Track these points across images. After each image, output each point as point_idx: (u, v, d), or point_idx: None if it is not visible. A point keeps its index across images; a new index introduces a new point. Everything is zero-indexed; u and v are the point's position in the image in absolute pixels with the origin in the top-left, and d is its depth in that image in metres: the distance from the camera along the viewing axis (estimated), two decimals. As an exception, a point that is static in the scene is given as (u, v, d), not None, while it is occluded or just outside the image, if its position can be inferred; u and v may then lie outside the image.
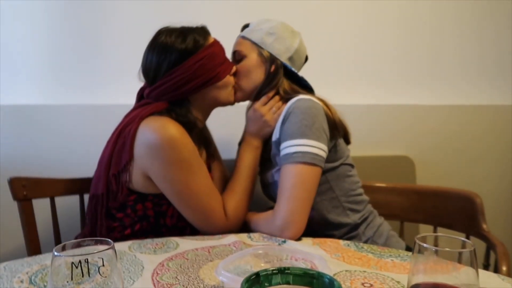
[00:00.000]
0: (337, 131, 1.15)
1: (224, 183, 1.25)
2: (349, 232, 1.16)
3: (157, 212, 1.10)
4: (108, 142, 1.12)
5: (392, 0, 1.87)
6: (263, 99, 1.19)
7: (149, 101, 1.13)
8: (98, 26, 1.58)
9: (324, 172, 1.13)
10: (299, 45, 1.23)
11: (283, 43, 1.20)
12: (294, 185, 1.04)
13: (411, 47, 1.92)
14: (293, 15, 1.75)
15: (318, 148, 1.07)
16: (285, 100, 1.17)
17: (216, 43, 1.15)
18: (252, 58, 1.19)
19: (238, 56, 1.21)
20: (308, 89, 1.24)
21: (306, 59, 1.30)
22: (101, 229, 1.10)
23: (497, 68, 2.02)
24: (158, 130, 1.02)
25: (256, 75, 1.19)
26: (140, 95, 1.17)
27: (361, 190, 1.23)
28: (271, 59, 1.19)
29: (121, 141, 1.07)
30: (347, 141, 1.23)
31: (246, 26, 1.26)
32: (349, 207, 1.17)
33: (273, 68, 1.19)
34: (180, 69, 1.09)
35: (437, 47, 1.95)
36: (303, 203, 1.04)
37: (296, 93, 1.17)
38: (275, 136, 1.15)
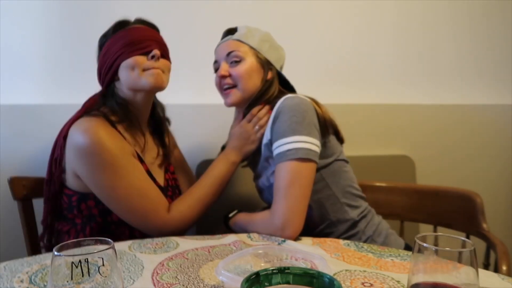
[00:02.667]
0: (327, 127, 1.14)
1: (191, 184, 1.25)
2: (349, 230, 1.16)
3: (101, 210, 1.09)
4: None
5: (392, 0, 1.87)
6: (248, 115, 1.19)
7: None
8: (98, 26, 1.58)
9: (319, 169, 1.13)
10: (285, 55, 1.25)
11: (276, 52, 1.21)
12: (290, 182, 1.04)
13: (411, 47, 1.92)
14: (293, 15, 1.75)
15: (311, 143, 1.06)
16: (271, 103, 1.17)
17: (131, 28, 1.11)
18: (252, 61, 1.17)
19: (236, 58, 1.17)
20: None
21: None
22: (50, 218, 1.13)
23: (497, 68, 2.02)
24: (83, 133, 1.01)
25: (256, 79, 1.18)
26: None
27: (357, 186, 1.22)
28: (268, 67, 1.19)
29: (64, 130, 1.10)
30: (340, 140, 1.23)
31: (232, 30, 1.23)
32: (347, 203, 1.17)
33: (270, 75, 1.19)
34: (100, 54, 1.14)
35: (437, 47, 1.95)
36: (300, 200, 1.04)
37: (283, 94, 1.17)
38: (266, 138, 1.15)
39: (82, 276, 0.50)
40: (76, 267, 0.50)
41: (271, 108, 1.16)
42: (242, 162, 1.26)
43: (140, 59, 1.08)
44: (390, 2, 1.86)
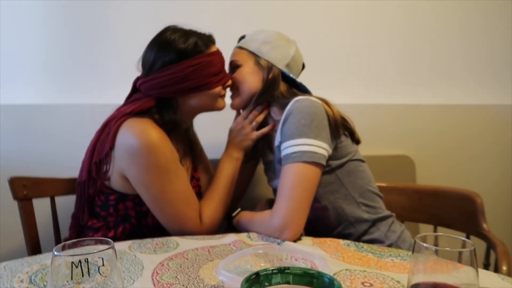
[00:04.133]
0: (338, 129, 1.14)
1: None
2: (369, 230, 1.15)
3: (138, 212, 1.11)
4: (96, 132, 1.15)
5: (394, 0, 1.87)
6: (245, 112, 1.23)
7: (139, 96, 1.14)
8: (97, 27, 1.58)
9: (333, 169, 1.13)
10: (295, 52, 1.24)
11: (279, 51, 1.22)
12: (293, 185, 1.04)
13: (411, 47, 1.92)
14: (293, 15, 1.75)
15: (318, 146, 1.06)
16: (283, 104, 1.18)
17: (216, 52, 1.15)
18: (248, 66, 1.21)
19: (235, 65, 1.23)
20: (307, 94, 1.24)
21: (303, 67, 1.31)
22: (83, 216, 1.13)
23: (497, 68, 2.02)
24: (138, 135, 1.03)
25: (252, 82, 1.20)
26: (134, 84, 1.19)
27: (374, 185, 1.22)
28: (268, 67, 1.20)
29: (106, 132, 1.10)
30: (356, 141, 1.22)
31: (242, 37, 1.28)
32: (364, 203, 1.16)
33: (270, 75, 1.20)
34: (173, 68, 1.09)
35: (437, 47, 1.95)
36: (302, 203, 1.04)
37: (294, 95, 1.18)
38: (277, 141, 1.15)
39: (82, 276, 0.50)
40: (76, 267, 0.50)
41: (282, 109, 1.17)
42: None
43: (220, 89, 1.16)
44: (390, 2, 1.86)
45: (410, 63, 1.92)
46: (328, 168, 1.13)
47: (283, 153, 1.09)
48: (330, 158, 1.12)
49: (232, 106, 1.27)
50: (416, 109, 1.92)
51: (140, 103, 1.11)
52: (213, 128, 1.51)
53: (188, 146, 1.27)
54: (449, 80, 1.98)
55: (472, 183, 1.89)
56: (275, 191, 1.26)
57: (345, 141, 1.18)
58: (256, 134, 1.23)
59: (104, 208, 1.11)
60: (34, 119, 1.52)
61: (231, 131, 1.27)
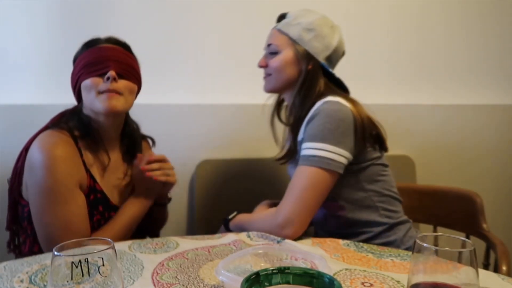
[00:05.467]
0: (364, 137, 1.11)
1: None
2: (384, 233, 1.13)
3: None
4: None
5: (393, 0, 1.87)
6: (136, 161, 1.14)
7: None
8: (97, 26, 1.58)
9: (355, 172, 1.12)
10: (338, 42, 1.20)
11: (321, 41, 1.17)
12: (305, 187, 1.03)
13: (411, 47, 1.92)
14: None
15: (337, 154, 1.05)
16: (314, 101, 1.14)
17: (97, 48, 1.09)
18: (288, 54, 1.17)
19: (273, 50, 1.19)
20: (344, 89, 1.22)
21: (343, 53, 1.27)
22: (8, 222, 1.11)
23: (497, 67, 2.02)
24: (40, 150, 1.00)
25: (289, 71, 1.17)
26: None
27: (395, 190, 1.20)
28: (308, 58, 1.16)
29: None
30: (384, 149, 1.19)
31: (282, 16, 1.23)
32: (383, 207, 1.15)
33: (310, 67, 1.16)
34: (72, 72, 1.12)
35: (437, 47, 1.94)
36: (310, 206, 1.03)
37: (330, 94, 1.14)
38: (300, 136, 1.14)
39: (82, 276, 0.50)
40: (76, 267, 0.50)
41: (310, 108, 1.14)
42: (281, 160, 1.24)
43: (96, 81, 1.05)
44: (390, 2, 1.86)
45: (410, 63, 1.92)
46: (350, 171, 1.10)
47: (302, 152, 1.08)
48: (352, 162, 1.10)
49: (264, 89, 1.24)
50: (416, 109, 1.92)
51: (60, 113, 1.14)
52: (212, 129, 1.52)
53: (129, 157, 1.20)
54: (449, 80, 1.98)
55: (472, 183, 1.89)
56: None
57: (371, 147, 1.15)
58: (167, 178, 1.12)
59: (22, 219, 1.08)
60: (34, 119, 1.52)
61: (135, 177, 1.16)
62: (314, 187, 1.04)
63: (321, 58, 1.17)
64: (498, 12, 1.99)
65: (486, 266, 1.22)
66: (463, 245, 0.58)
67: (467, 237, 1.27)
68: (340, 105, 1.09)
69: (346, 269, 0.82)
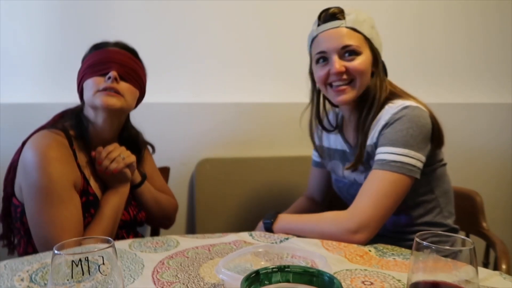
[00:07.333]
0: (439, 140, 1.11)
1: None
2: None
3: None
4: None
5: (393, 0, 1.87)
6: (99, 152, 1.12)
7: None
8: (97, 26, 1.58)
9: (426, 174, 1.09)
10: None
11: (379, 39, 1.12)
12: (385, 193, 0.99)
13: (411, 46, 1.92)
14: (292, 15, 1.75)
15: (418, 160, 1.03)
16: (382, 103, 1.09)
17: (103, 50, 1.11)
18: (368, 55, 1.08)
19: (352, 51, 1.06)
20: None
21: None
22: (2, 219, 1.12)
23: (497, 67, 2.02)
24: (34, 150, 1.01)
25: (369, 74, 1.10)
26: None
27: (453, 191, 1.19)
28: (379, 57, 1.11)
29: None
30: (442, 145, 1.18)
31: (337, 13, 1.08)
32: (447, 209, 1.14)
33: (380, 67, 1.12)
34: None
35: (437, 46, 1.94)
36: (387, 212, 1.00)
37: (398, 96, 1.11)
38: (371, 140, 1.10)
39: (83, 274, 0.50)
40: (77, 265, 0.50)
41: (376, 114, 1.09)
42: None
43: (98, 80, 1.08)
44: (391, 2, 1.86)
45: (409, 62, 1.92)
46: (422, 173, 1.06)
47: (380, 156, 1.03)
48: (425, 164, 1.07)
49: (343, 100, 1.08)
50: (416, 108, 1.91)
51: (56, 115, 1.15)
52: (211, 128, 1.52)
53: (134, 150, 1.20)
54: (449, 79, 1.98)
55: (472, 181, 1.89)
56: (344, 184, 1.21)
57: (439, 149, 1.15)
58: (125, 162, 1.11)
59: (15, 220, 1.09)
60: (34, 118, 1.52)
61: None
62: (395, 194, 1.00)
63: (381, 56, 1.12)
64: (497, 12, 1.98)
65: (485, 265, 1.22)
66: (463, 243, 0.58)
67: (467, 236, 1.27)
68: (421, 111, 1.06)
69: (347, 270, 0.82)
